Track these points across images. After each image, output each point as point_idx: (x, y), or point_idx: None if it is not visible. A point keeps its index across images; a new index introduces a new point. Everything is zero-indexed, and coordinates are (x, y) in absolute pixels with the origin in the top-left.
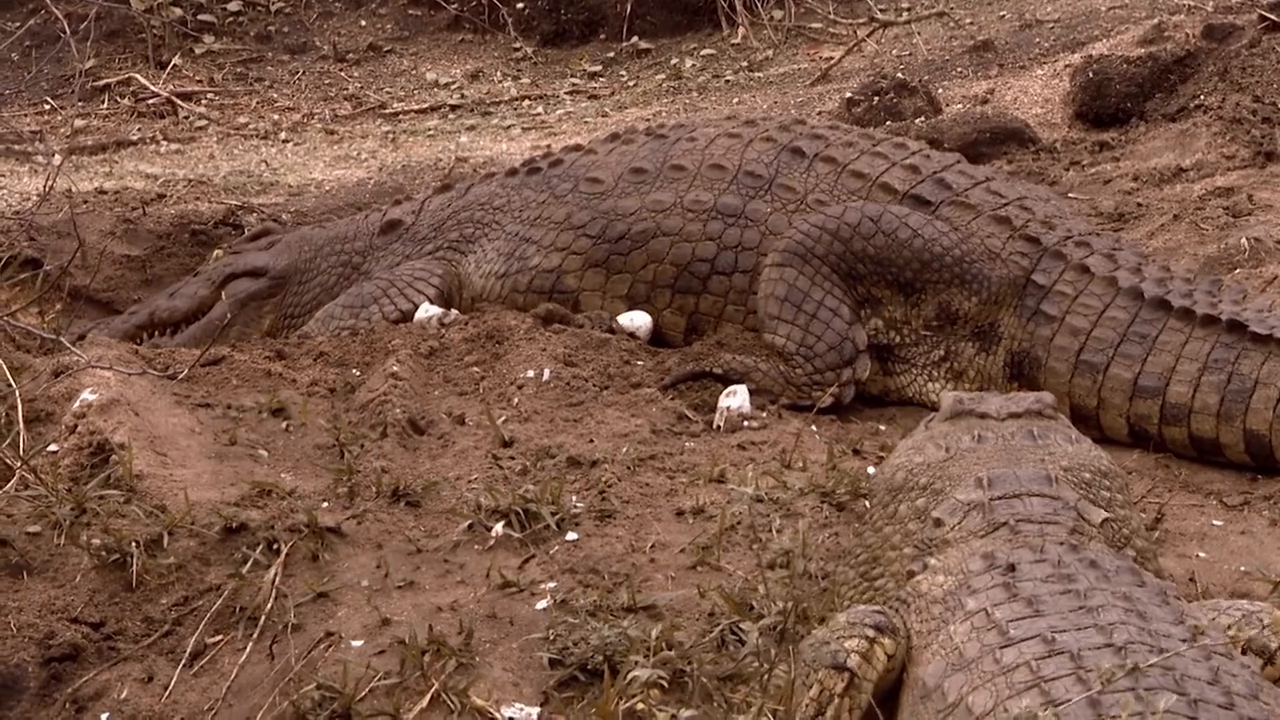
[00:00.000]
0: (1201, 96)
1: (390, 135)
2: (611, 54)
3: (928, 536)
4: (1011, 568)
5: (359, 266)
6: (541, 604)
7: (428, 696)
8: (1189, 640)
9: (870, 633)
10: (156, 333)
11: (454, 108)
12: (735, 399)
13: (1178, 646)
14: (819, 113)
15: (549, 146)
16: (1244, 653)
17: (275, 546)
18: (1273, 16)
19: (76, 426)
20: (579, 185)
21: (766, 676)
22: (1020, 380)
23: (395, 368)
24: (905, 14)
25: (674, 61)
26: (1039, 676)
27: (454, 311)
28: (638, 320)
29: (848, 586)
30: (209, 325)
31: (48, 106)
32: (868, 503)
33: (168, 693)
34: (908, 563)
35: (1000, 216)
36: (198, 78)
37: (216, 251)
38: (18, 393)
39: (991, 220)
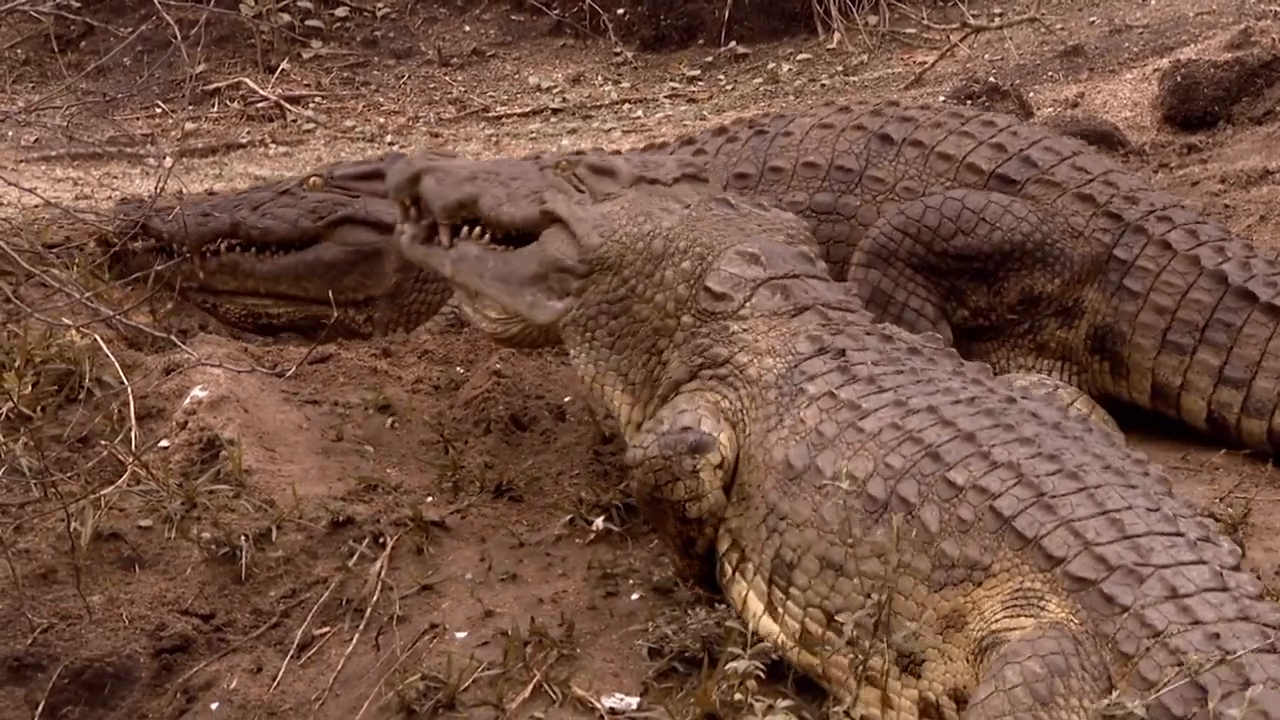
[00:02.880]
0: None
1: (493, 138)
2: (710, 58)
3: (710, 307)
4: (842, 353)
5: None
6: (640, 595)
7: (530, 687)
8: (1015, 392)
9: (690, 463)
10: (238, 247)
11: (555, 111)
12: None
13: (1005, 398)
14: None
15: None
16: None
17: (381, 540)
18: None
19: (187, 423)
20: None
21: (861, 667)
22: (1103, 354)
23: (498, 365)
24: (997, 19)
25: (770, 66)
26: (906, 432)
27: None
28: None
29: (633, 365)
30: (317, 265)
31: (159, 110)
32: (610, 277)
33: (276, 683)
34: (697, 337)
35: (1084, 194)
36: (305, 82)
37: (313, 178)
38: (129, 390)
39: (1076, 198)
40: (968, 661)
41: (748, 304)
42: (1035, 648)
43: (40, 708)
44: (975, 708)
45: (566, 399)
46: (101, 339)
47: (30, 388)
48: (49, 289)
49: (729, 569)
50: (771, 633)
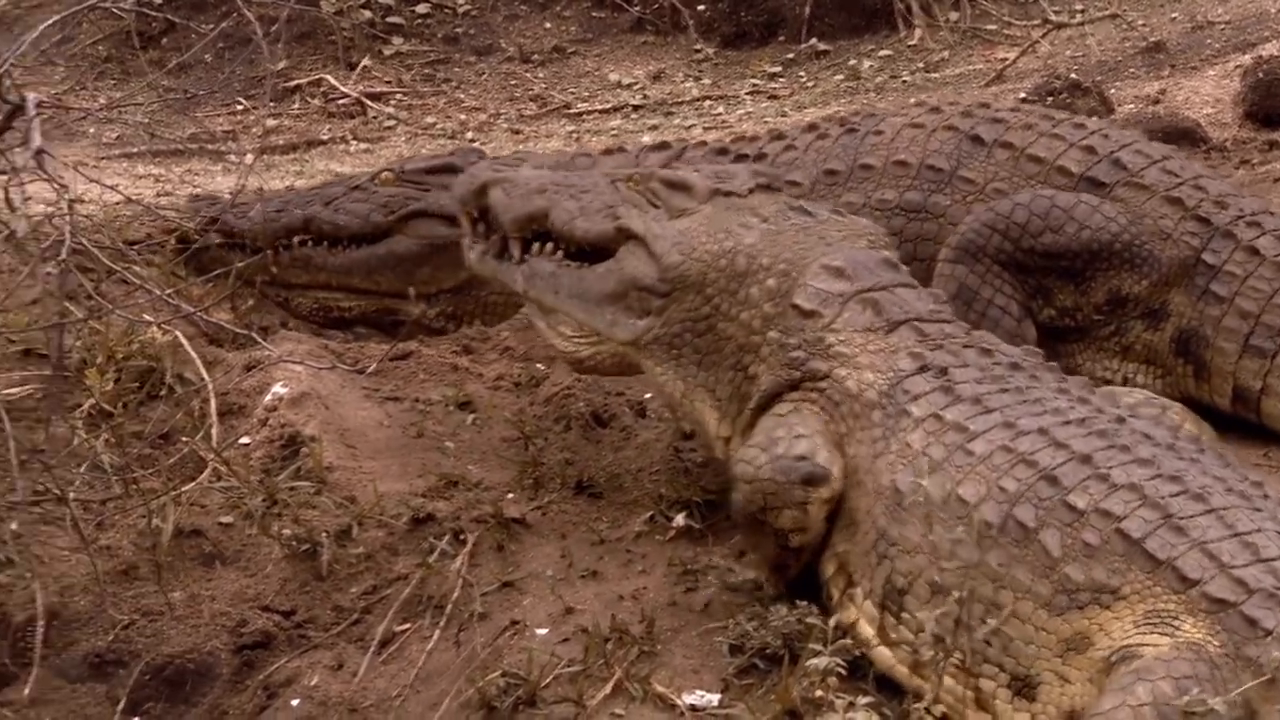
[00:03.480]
0: None
1: (574, 135)
2: (791, 55)
3: (799, 324)
4: (944, 371)
5: None
6: (721, 592)
7: (610, 684)
8: (1124, 411)
9: (802, 494)
10: (310, 241)
11: (636, 108)
12: None
13: (1115, 418)
14: None
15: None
16: None
17: (462, 537)
18: None
19: (268, 419)
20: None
21: (943, 664)
22: (1186, 357)
23: None
24: (1078, 16)
25: (852, 62)
26: (1019, 455)
27: None
28: None
29: (720, 382)
30: (390, 258)
31: (240, 107)
32: (693, 296)
33: (357, 680)
34: (789, 350)
35: (1173, 197)
36: (386, 79)
37: (385, 173)
38: (210, 386)
39: (1165, 201)
40: (1089, 683)
41: (839, 319)
42: (1170, 668)
43: (121, 704)
44: (1096, 717)
45: (647, 395)
46: (183, 335)
47: (112, 384)
48: (130, 286)
49: (836, 593)
50: (885, 658)
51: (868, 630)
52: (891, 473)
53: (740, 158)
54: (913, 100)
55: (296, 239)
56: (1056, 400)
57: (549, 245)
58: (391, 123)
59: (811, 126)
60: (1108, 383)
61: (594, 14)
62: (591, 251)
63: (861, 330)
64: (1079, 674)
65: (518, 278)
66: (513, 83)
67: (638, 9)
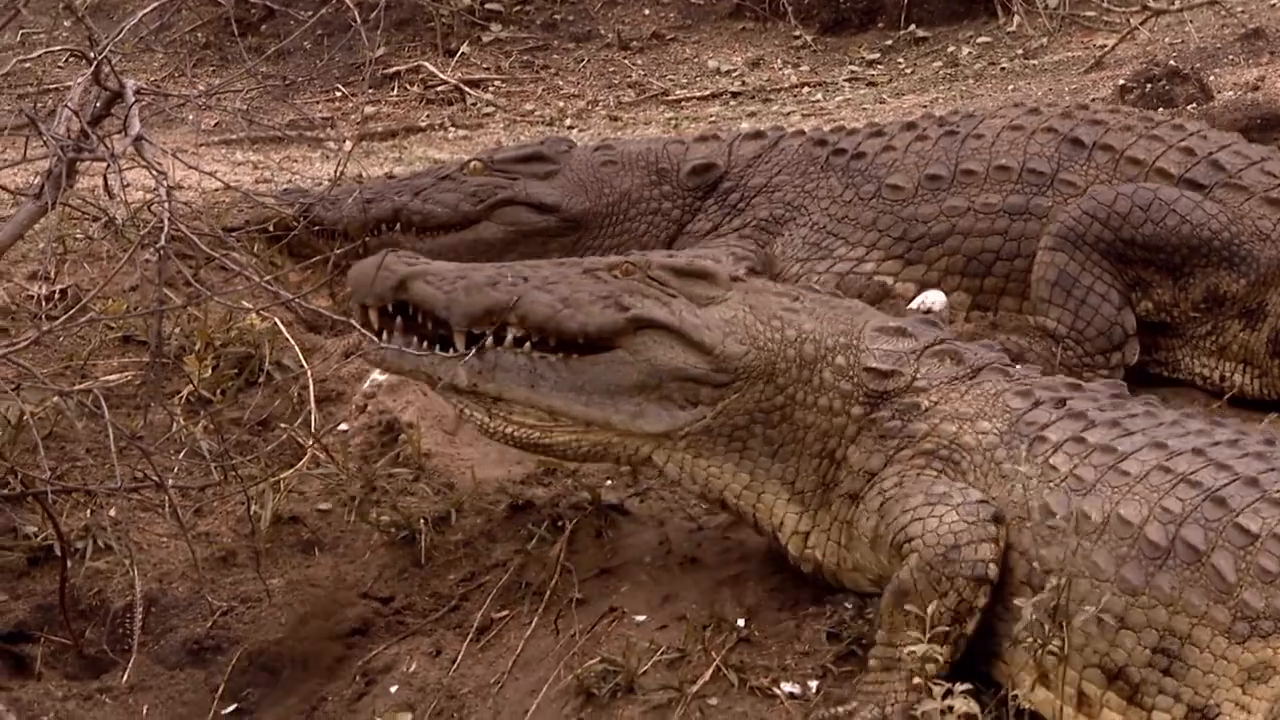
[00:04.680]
0: None
1: (673, 122)
2: (889, 42)
3: (880, 388)
4: (1063, 402)
5: (671, 215)
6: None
7: (709, 671)
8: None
9: (994, 529)
10: (399, 228)
11: (735, 95)
12: None
13: (1263, 440)
14: (1094, 99)
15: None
16: None
17: (560, 523)
18: None
19: (366, 406)
20: (881, 190)
21: (1040, 651)
22: None
23: None
24: (1177, 2)
25: (950, 49)
26: (1178, 474)
27: None
28: (931, 298)
29: (801, 473)
30: (478, 245)
31: (339, 93)
32: (762, 386)
33: (455, 666)
34: (880, 423)
35: (1272, 198)
36: (485, 65)
37: (474, 162)
38: (309, 373)
39: (1264, 202)
40: (1272, 716)
41: (920, 375)
42: None
43: (220, 691)
44: None
45: None
46: (281, 322)
47: (210, 371)
48: (229, 272)
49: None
50: (1046, 702)
51: (1026, 677)
52: (1039, 496)
53: (838, 151)
54: (1010, 89)
55: (382, 228)
56: (1191, 423)
57: (509, 338)
58: (490, 109)
59: (910, 126)
60: (1205, 381)
61: (693, 0)
62: (571, 344)
63: (948, 381)
64: (1261, 704)
65: (459, 372)
66: (611, 69)
67: None
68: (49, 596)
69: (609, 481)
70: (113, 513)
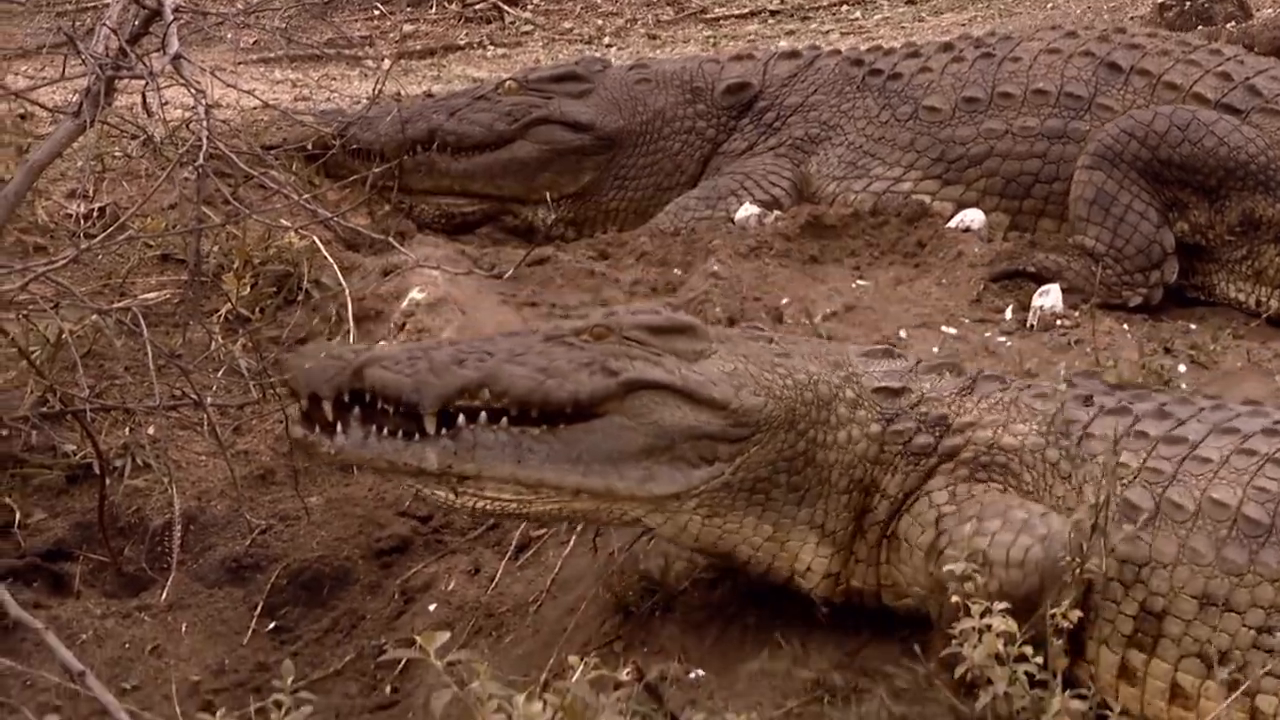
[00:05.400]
0: None
1: (711, 40)
2: None
3: (895, 406)
4: (1089, 399)
5: (705, 135)
6: None
7: (747, 589)
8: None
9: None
10: (434, 148)
11: (773, 13)
12: (1048, 298)
13: None
14: (1132, 18)
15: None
16: None
17: None
18: None
19: (405, 324)
20: (918, 112)
21: (1075, 571)
22: None
23: (715, 267)
24: None
25: None
26: (1263, 455)
27: (774, 213)
28: (970, 217)
29: (831, 513)
30: (512, 164)
31: (377, 12)
32: (783, 435)
33: (494, 585)
34: (912, 441)
35: None
36: None
37: (509, 82)
38: (348, 291)
39: None
40: None
41: (929, 389)
42: None
43: (259, 608)
44: None
45: (784, 301)
46: (319, 240)
47: (249, 289)
48: (267, 191)
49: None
50: (1133, 698)
51: (1108, 675)
52: (1116, 494)
53: (874, 71)
54: (1049, 7)
55: (419, 148)
56: (1234, 408)
57: (483, 415)
58: (528, 28)
59: (946, 47)
60: (1240, 306)
61: None
62: (556, 415)
63: (958, 392)
64: None
65: (430, 456)
66: None
67: None
68: (88, 515)
69: None
70: (151, 431)
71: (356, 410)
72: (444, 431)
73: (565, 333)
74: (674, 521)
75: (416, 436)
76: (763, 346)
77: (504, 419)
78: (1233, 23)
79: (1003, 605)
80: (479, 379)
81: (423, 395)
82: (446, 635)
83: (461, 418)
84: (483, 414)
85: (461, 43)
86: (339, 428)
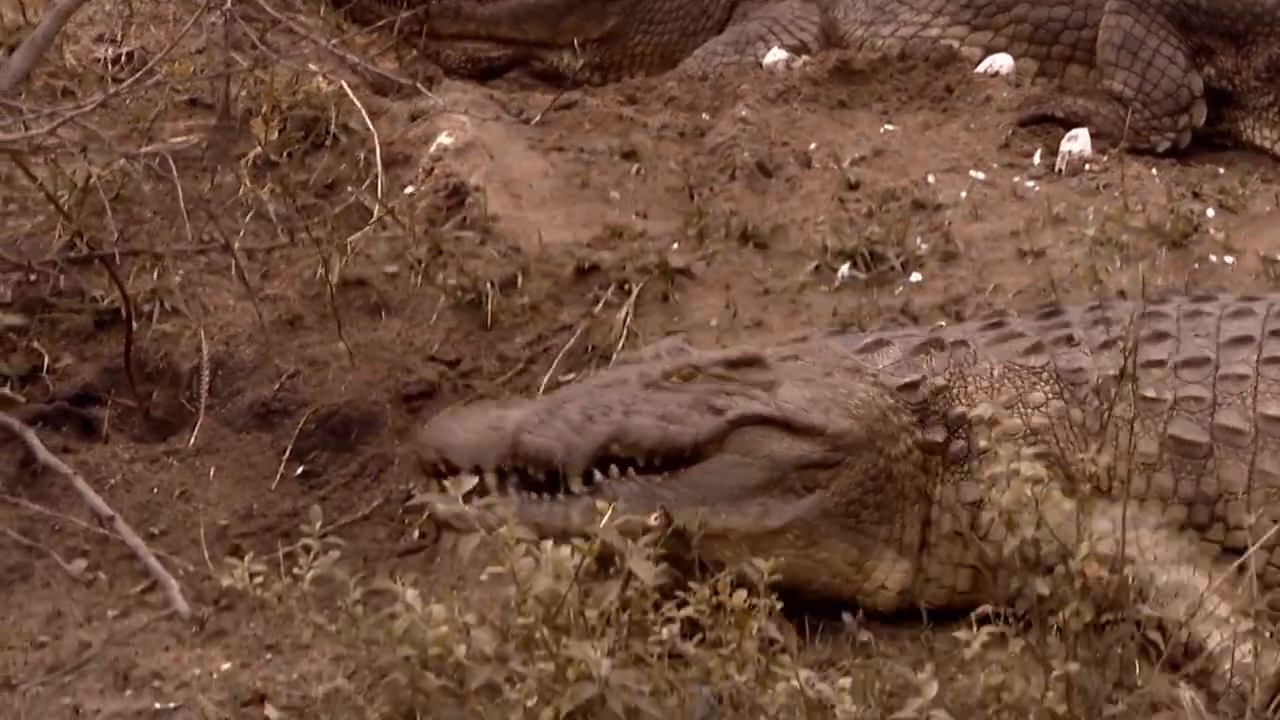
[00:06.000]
0: None
1: None
2: None
3: (916, 399)
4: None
5: None
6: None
7: None
8: None
9: None
10: None
11: None
12: (1076, 143)
13: None
14: None
15: None
16: None
17: (626, 287)
18: None
19: (433, 169)
20: None
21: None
22: None
23: (743, 112)
24: None
25: None
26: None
27: (802, 58)
28: (998, 62)
29: (906, 523)
30: (538, 7)
31: None
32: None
33: None
34: (946, 448)
35: None
36: None
37: None
38: (375, 136)
39: None
40: None
41: (935, 377)
42: None
43: (286, 453)
44: None
45: (812, 146)
46: (347, 85)
47: (277, 134)
48: (295, 35)
49: None
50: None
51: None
52: (1159, 433)
53: None
54: None
55: None
56: (1219, 306)
57: (613, 468)
58: None
59: None
60: (1266, 150)
61: None
62: (676, 459)
63: (956, 372)
64: None
65: (574, 514)
66: None
67: None
68: (116, 359)
69: (675, 245)
70: (179, 275)
71: (515, 478)
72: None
73: (654, 377)
74: (765, 555)
75: (560, 495)
76: (806, 365)
77: (630, 469)
78: None
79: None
80: (612, 433)
81: (574, 456)
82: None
83: (598, 473)
84: (613, 466)
85: None
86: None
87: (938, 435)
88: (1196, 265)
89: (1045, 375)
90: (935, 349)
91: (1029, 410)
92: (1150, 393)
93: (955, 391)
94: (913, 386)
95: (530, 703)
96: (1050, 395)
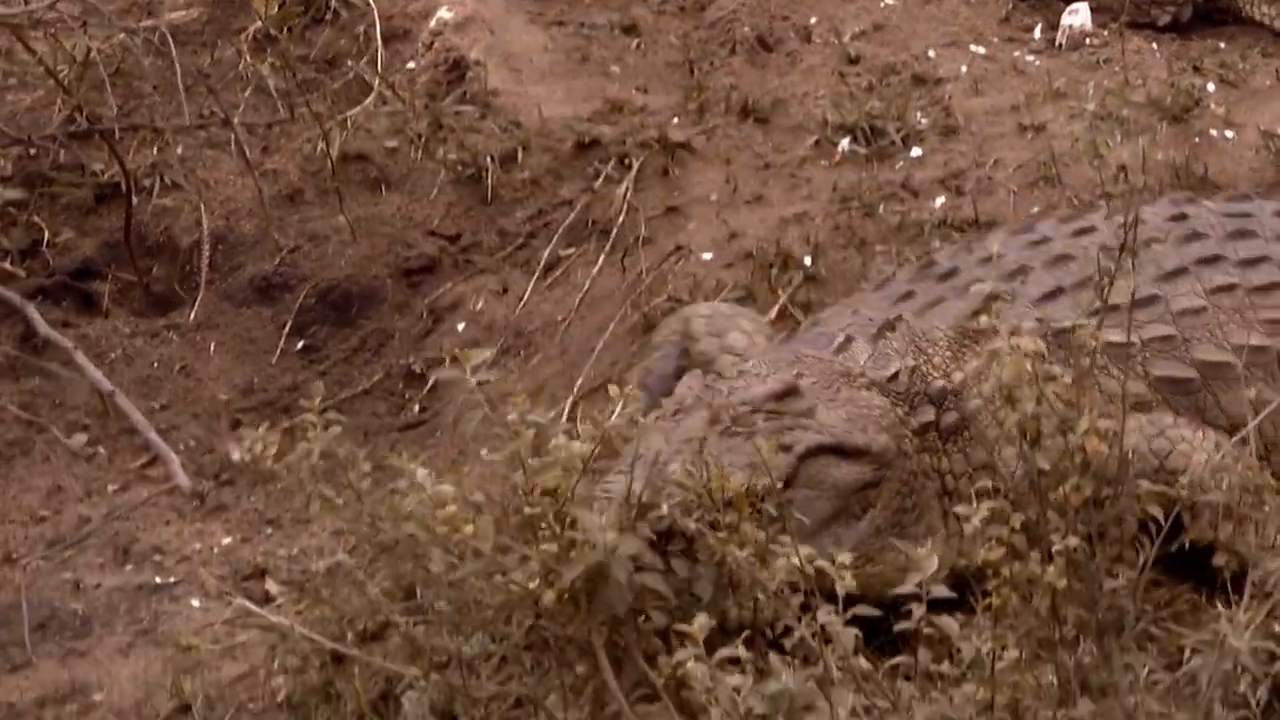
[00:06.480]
0: None
1: None
2: None
3: (901, 389)
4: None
5: None
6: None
7: (775, 309)
8: None
9: None
10: None
11: None
12: (1077, 17)
13: None
14: None
15: None
16: None
17: (626, 161)
18: None
19: (433, 44)
20: None
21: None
22: None
23: None
24: None
25: None
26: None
27: None
28: None
29: (933, 522)
30: None
31: None
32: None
33: (522, 304)
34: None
35: None
36: None
37: None
38: (375, 11)
39: None
40: None
41: (907, 361)
42: None
43: (287, 327)
44: None
45: (812, 20)
46: None
47: (277, 8)
48: None
49: None
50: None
51: None
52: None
53: None
54: None
55: None
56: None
57: None
58: None
59: None
60: (1263, 27)
61: None
62: None
63: (931, 346)
64: None
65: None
66: None
67: None
68: (116, 234)
69: (675, 120)
70: (180, 150)
71: None
72: None
73: (722, 419)
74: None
75: None
76: (816, 386)
77: None
78: None
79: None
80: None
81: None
82: (487, 354)
83: None
84: None
85: None
86: None
87: (928, 414)
88: (1197, 139)
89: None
90: (890, 331)
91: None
92: (1115, 336)
93: (924, 368)
94: (895, 378)
95: (533, 584)
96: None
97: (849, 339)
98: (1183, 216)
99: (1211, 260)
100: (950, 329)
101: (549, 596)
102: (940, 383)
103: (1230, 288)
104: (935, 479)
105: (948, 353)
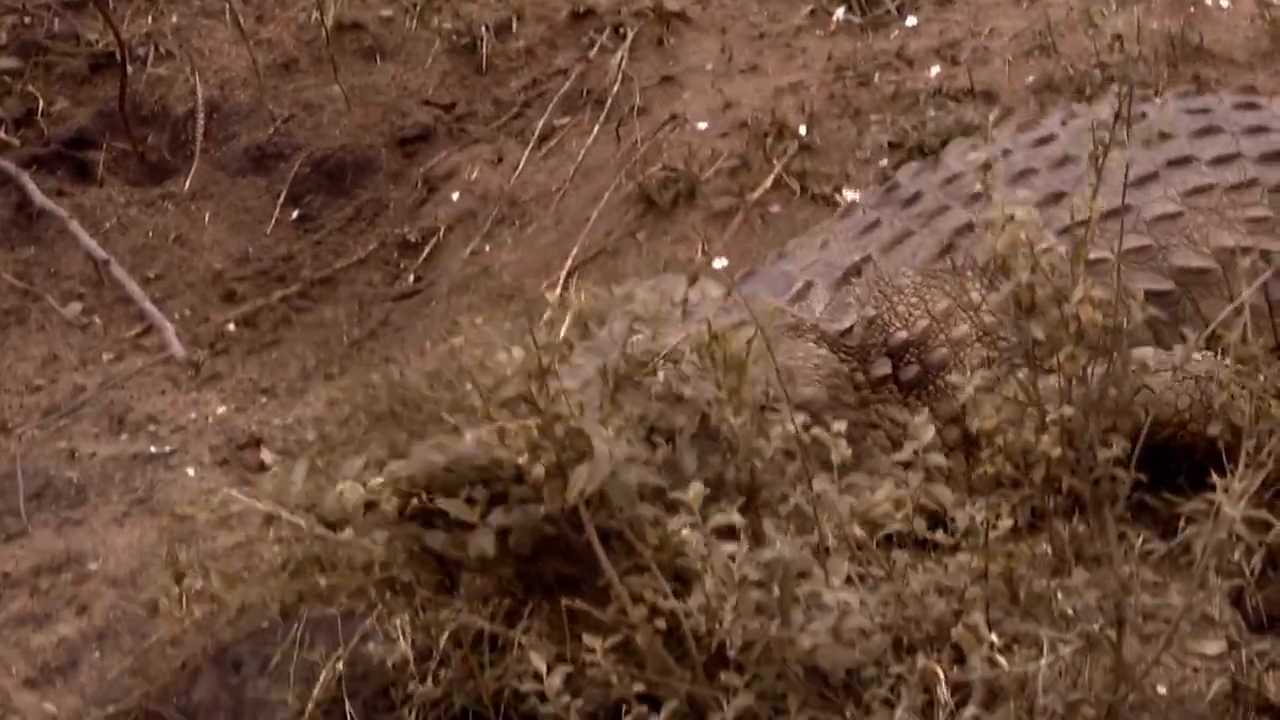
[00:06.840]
0: None
1: None
2: None
3: (857, 343)
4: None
5: None
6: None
7: (770, 178)
8: None
9: None
10: None
11: None
12: None
13: None
14: None
15: None
16: None
17: (621, 30)
18: None
19: None
20: None
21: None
22: None
23: None
24: None
25: None
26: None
27: None
28: None
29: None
30: None
31: None
32: None
33: (517, 174)
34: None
35: None
36: None
37: None
38: None
39: None
40: None
41: (862, 311)
42: None
43: (282, 197)
44: None
45: None
46: None
47: None
48: None
49: None
50: None
51: None
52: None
53: None
54: None
55: None
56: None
57: None
58: None
59: None
60: None
61: None
62: None
63: (881, 295)
64: None
65: None
66: None
67: None
68: (110, 103)
69: None
70: (174, 19)
71: None
72: None
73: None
74: None
75: None
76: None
77: None
78: None
79: None
80: None
81: None
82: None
83: None
84: None
85: None
86: None
87: (884, 368)
88: (1192, 9)
89: (969, 275)
90: (855, 276)
91: (972, 312)
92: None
93: (887, 316)
94: (849, 331)
95: (522, 459)
96: (985, 290)
97: (808, 285)
98: (1143, 115)
99: (1182, 162)
100: (917, 273)
101: (538, 470)
102: (902, 334)
103: (1207, 188)
104: (882, 432)
105: (913, 298)
